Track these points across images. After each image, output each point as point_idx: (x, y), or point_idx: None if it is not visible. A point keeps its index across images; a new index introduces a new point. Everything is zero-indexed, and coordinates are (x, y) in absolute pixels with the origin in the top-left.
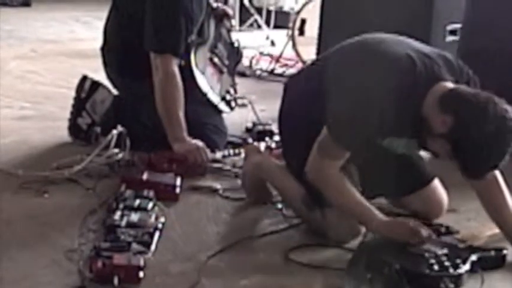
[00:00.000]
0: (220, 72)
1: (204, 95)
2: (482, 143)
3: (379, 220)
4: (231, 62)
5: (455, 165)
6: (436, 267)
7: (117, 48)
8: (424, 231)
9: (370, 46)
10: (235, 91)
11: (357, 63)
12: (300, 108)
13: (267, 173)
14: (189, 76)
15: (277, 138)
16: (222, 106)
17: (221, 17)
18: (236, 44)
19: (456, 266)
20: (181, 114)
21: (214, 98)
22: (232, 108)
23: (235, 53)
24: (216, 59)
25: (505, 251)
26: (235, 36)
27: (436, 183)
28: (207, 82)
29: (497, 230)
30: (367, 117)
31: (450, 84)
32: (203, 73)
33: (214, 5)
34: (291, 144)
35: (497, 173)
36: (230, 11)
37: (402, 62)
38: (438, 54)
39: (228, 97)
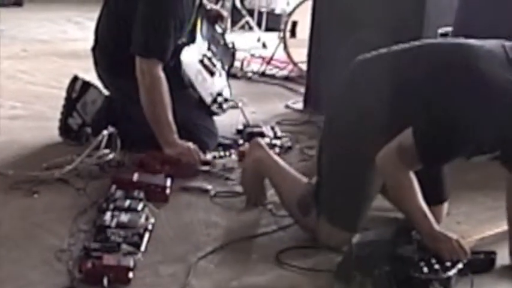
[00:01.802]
0: (212, 74)
1: (195, 96)
2: None
3: (432, 230)
4: (223, 64)
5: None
6: (425, 270)
7: (109, 49)
8: (463, 254)
9: (465, 64)
10: (230, 93)
11: (455, 84)
12: (368, 103)
13: (268, 169)
14: (179, 77)
15: (267, 140)
16: (214, 108)
17: (215, 18)
18: (231, 46)
19: (445, 269)
20: (170, 117)
21: (206, 99)
22: (223, 110)
23: (229, 55)
24: (207, 61)
25: (494, 255)
26: (229, 38)
27: (446, 204)
28: (197, 84)
29: (486, 234)
30: (463, 146)
31: None
32: (194, 75)
33: (208, 6)
34: (337, 140)
35: None
36: (224, 13)
37: (507, 93)
38: None
39: (219, 99)
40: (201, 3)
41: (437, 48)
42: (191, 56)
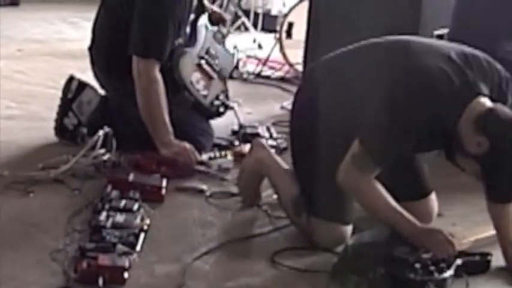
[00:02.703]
0: (210, 78)
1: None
2: None
3: (415, 228)
4: (223, 68)
5: (481, 185)
6: (420, 271)
7: (105, 49)
8: (450, 245)
9: (402, 57)
10: (227, 97)
11: (390, 77)
12: (316, 110)
13: (267, 169)
14: (174, 80)
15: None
16: (210, 112)
17: (217, 22)
18: (232, 51)
19: (441, 271)
20: (166, 117)
21: (203, 102)
22: (220, 114)
23: (230, 59)
24: (205, 65)
25: (489, 256)
26: (230, 42)
27: (433, 195)
28: (194, 87)
29: (481, 236)
30: (404, 138)
31: (487, 102)
32: (189, 78)
33: (210, 8)
34: (301, 143)
35: None
36: (227, 17)
37: (438, 79)
38: (468, 60)
39: (216, 103)
40: (202, 5)
41: (375, 48)
42: (189, 59)
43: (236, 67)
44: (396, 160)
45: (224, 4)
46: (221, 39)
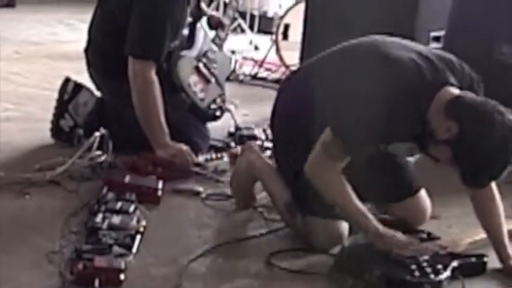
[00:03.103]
0: (207, 81)
1: (188, 101)
2: (486, 153)
3: (374, 229)
4: (220, 72)
5: (455, 172)
6: (417, 273)
7: (102, 50)
8: (409, 251)
9: (372, 50)
10: (224, 101)
11: (361, 68)
12: (295, 111)
13: (259, 172)
14: (171, 82)
15: (259, 142)
16: (207, 115)
17: (216, 26)
18: (229, 56)
19: (437, 272)
20: (162, 119)
21: (200, 105)
22: (216, 118)
23: (227, 63)
24: (203, 68)
25: (485, 258)
26: (228, 46)
27: (422, 193)
28: (191, 90)
29: (477, 237)
30: (374, 125)
31: (456, 90)
32: (187, 81)
33: (209, 12)
34: (283, 145)
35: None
36: (226, 21)
37: (408, 68)
38: (440, 57)
39: (213, 106)
40: (200, 9)
41: (350, 47)
42: (187, 61)
43: (233, 71)
44: (367, 149)
45: (222, 8)
46: (219, 43)
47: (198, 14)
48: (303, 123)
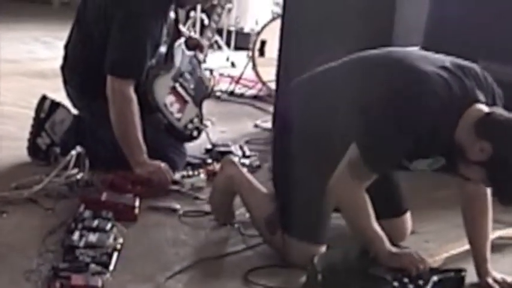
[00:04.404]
0: (184, 101)
1: (164, 121)
2: None
3: (389, 251)
4: (197, 93)
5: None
6: None
7: (79, 67)
8: (423, 265)
9: (398, 64)
10: (201, 122)
11: (388, 82)
12: (305, 122)
13: (239, 186)
14: (148, 101)
15: (236, 159)
16: (184, 135)
17: (194, 48)
18: (206, 77)
19: (418, 287)
20: (140, 137)
21: (176, 125)
22: (193, 139)
23: (205, 85)
24: (179, 88)
25: (464, 272)
26: (207, 66)
27: (408, 214)
28: (167, 110)
29: (454, 251)
30: (402, 143)
31: (485, 108)
32: (163, 101)
33: (187, 33)
34: (286, 158)
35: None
36: (204, 43)
37: (436, 84)
38: (466, 71)
39: (189, 126)
40: (178, 30)
41: (365, 60)
42: (164, 82)
43: (211, 92)
44: (394, 166)
45: (198, 26)
46: (197, 64)
47: (176, 35)
48: (315, 138)
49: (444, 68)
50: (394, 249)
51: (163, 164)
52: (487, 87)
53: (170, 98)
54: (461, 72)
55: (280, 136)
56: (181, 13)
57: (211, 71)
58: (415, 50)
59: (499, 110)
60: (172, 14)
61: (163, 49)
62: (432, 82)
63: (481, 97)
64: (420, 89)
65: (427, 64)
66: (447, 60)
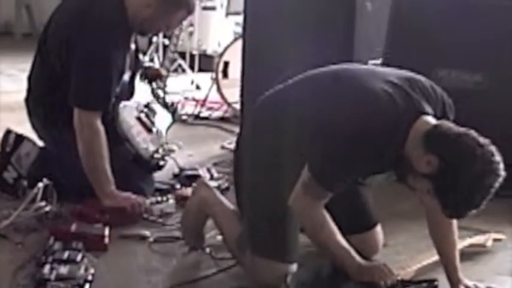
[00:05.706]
0: (149, 131)
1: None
2: (467, 187)
3: (360, 264)
4: (162, 121)
5: (423, 212)
6: None
7: (43, 99)
8: (391, 275)
9: (346, 84)
10: (166, 151)
11: (336, 104)
12: (258, 141)
13: (211, 208)
14: (115, 131)
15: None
16: (150, 165)
17: (154, 77)
18: (170, 106)
19: None
20: (108, 168)
21: (143, 155)
22: (160, 168)
23: (168, 114)
24: (144, 118)
25: (436, 282)
26: (169, 97)
27: (378, 226)
28: (134, 140)
29: (425, 262)
30: (352, 161)
31: (432, 120)
32: (130, 131)
33: (147, 64)
34: (250, 178)
35: None
36: (163, 72)
37: (381, 100)
38: (412, 84)
39: (156, 155)
40: (138, 60)
41: (318, 78)
42: (128, 112)
43: (174, 121)
44: (347, 184)
45: (161, 51)
46: (158, 94)
47: (136, 65)
48: (275, 156)
49: (390, 82)
50: (363, 263)
51: (133, 196)
52: (436, 99)
53: (137, 128)
54: (407, 85)
55: (241, 156)
56: (143, 39)
57: (172, 103)
58: (365, 66)
59: (446, 123)
60: (132, 44)
61: (126, 77)
62: (379, 100)
63: (429, 109)
64: (367, 110)
65: (375, 80)
66: (394, 74)
